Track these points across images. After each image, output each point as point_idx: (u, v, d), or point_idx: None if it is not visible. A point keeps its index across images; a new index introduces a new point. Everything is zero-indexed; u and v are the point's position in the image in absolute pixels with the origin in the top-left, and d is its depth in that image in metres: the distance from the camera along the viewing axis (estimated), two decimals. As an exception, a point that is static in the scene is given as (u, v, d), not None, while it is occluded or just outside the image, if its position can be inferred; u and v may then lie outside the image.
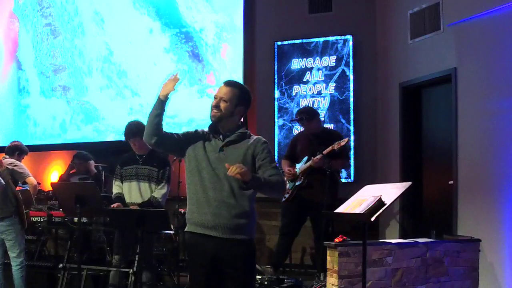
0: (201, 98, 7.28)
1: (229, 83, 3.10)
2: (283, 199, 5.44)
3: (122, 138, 4.92)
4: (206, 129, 3.14)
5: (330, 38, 6.72)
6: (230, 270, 2.94)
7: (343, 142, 5.16)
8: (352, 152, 6.40)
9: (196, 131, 3.13)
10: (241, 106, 3.07)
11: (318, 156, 5.12)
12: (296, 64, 6.86)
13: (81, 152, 6.52)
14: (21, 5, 8.60)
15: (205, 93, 7.27)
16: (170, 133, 3.11)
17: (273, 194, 3.08)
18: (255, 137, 3.12)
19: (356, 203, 3.15)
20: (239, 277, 2.95)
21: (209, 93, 7.23)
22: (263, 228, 6.57)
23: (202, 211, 2.97)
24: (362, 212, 3.00)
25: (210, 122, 3.10)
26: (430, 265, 4.23)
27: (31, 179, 5.36)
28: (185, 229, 3.08)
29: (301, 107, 6.61)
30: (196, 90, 7.32)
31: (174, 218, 5.35)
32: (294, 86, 6.84)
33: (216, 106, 3.02)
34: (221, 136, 3.05)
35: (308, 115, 5.40)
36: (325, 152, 5.08)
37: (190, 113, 7.28)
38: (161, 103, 3.05)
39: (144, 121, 3.30)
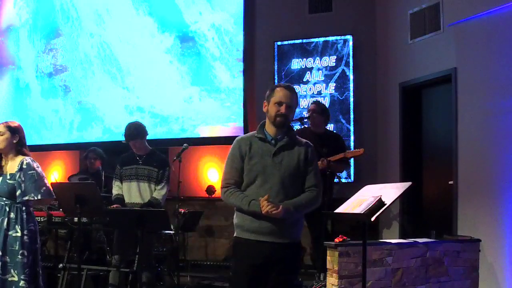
0: (201, 99, 7.28)
1: (292, 89, 3.14)
2: None
3: (123, 138, 4.91)
4: (250, 134, 3.14)
5: (330, 38, 6.72)
6: (279, 272, 3.00)
7: (358, 153, 5.13)
8: (352, 152, 6.40)
9: (239, 147, 3.07)
10: (295, 111, 3.19)
11: (326, 161, 5.07)
12: (296, 64, 6.86)
13: (96, 149, 6.48)
14: (20, 5, 8.59)
15: (205, 94, 7.27)
16: (238, 180, 3.06)
17: (307, 211, 3.13)
18: (303, 140, 3.16)
19: (356, 203, 3.14)
20: (288, 278, 3.05)
21: (209, 94, 7.23)
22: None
23: (256, 218, 2.97)
24: (362, 212, 2.99)
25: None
26: (430, 265, 4.23)
27: None
28: (235, 235, 3.09)
29: (302, 107, 6.64)
30: (196, 91, 7.32)
31: (174, 218, 5.34)
32: (294, 86, 6.81)
33: (286, 115, 3.04)
34: (272, 141, 3.06)
35: (321, 109, 5.41)
36: (333, 159, 5.06)
37: (190, 114, 7.28)
38: (245, 211, 2.99)
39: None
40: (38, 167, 4.04)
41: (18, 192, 3.92)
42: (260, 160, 3.01)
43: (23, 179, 3.92)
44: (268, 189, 2.97)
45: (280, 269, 3.00)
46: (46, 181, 4.06)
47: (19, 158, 4.00)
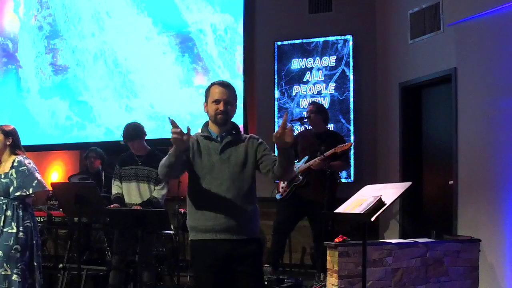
0: (201, 99, 7.27)
1: (227, 85, 3.11)
2: (280, 197, 5.44)
3: (121, 138, 4.91)
4: (195, 134, 3.11)
5: (330, 38, 6.72)
6: (242, 269, 2.94)
7: (345, 147, 5.14)
8: (352, 152, 6.39)
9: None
10: (235, 106, 3.13)
11: (319, 158, 5.10)
12: (296, 64, 6.86)
13: (97, 148, 6.49)
14: (21, 5, 8.59)
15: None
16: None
17: (291, 167, 3.01)
18: (247, 135, 3.16)
19: (356, 203, 3.15)
20: (252, 275, 2.98)
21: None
22: (262, 228, 6.54)
23: (209, 216, 2.94)
24: (362, 212, 3.00)
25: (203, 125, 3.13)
26: (430, 265, 4.23)
27: None
28: (190, 238, 3.04)
29: (302, 107, 6.64)
30: (196, 91, 7.31)
31: (174, 218, 5.34)
32: (294, 86, 6.84)
33: (225, 112, 3.02)
34: (218, 138, 3.05)
35: (318, 108, 5.44)
36: (326, 154, 5.08)
37: (190, 114, 7.28)
38: (174, 156, 2.88)
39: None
40: (29, 163, 4.21)
41: (11, 189, 4.09)
42: (207, 158, 3.00)
43: (15, 176, 4.11)
44: (219, 185, 2.94)
45: (242, 266, 2.93)
46: (37, 175, 4.20)
47: (12, 157, 4.21)
